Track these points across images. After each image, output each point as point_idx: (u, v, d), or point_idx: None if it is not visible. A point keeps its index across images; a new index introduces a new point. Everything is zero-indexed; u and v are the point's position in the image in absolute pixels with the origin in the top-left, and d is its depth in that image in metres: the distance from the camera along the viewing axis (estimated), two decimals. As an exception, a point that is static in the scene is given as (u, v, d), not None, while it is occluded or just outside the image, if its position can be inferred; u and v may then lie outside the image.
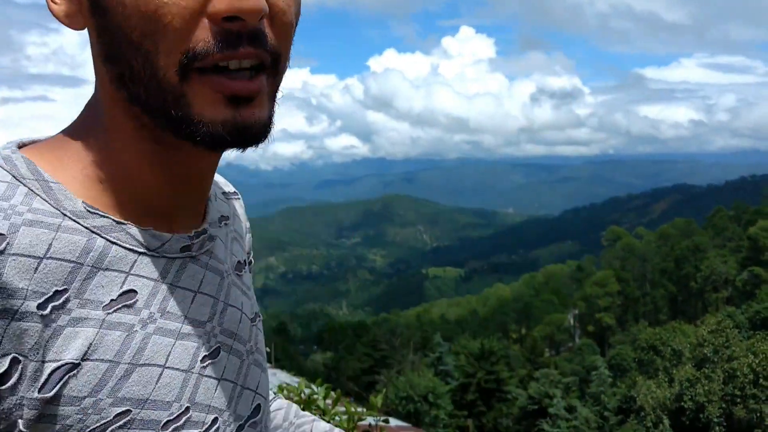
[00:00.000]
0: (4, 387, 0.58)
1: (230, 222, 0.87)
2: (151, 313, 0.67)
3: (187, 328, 0.71)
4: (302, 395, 3.36)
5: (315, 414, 2.16)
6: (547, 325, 64.89)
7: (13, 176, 0.64)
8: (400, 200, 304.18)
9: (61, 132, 0.72)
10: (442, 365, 40.38)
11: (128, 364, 0.64)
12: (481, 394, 37.79)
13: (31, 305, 0.59)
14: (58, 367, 0.61)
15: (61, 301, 0.61)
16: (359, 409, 3.40)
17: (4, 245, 0.59)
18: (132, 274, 0.67)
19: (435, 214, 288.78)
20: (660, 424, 30.22)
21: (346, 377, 41.24)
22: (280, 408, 1.08)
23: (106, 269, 0.65)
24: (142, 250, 0.68)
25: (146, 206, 0.71)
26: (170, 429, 0.66)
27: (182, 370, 0.69)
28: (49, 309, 0.60)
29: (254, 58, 0.64)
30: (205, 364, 0.72)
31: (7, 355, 0.58)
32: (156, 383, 0.66)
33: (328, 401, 3.43)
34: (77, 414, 0.61)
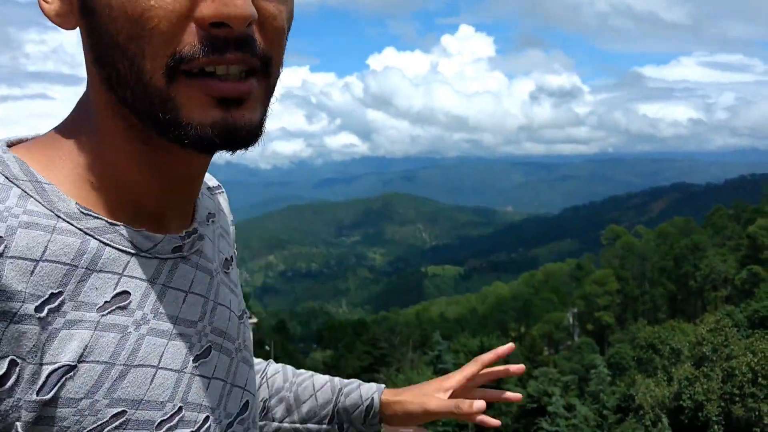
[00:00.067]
0: (2, 389, 0.58)
1: (216, 218, 0.87)
2: (144, 314, 0.68)
3: (180, 329, 0.71)
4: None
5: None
6: (546, 323, 64.71)
7: (6, 177, 0.64)
8: (399, 198, 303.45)
9: (52, 130, 0.71)
10: (441, 363, 40.37)
11: (123, 365, 0.65)
12: (480, 393, 37.81)
13: (29, 308, 0.59)
14: (55, 370, 0.61)
15: (56, 303, 0.61)
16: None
17: (2, 248, 0.59)
18: (125, 276, 0.67)
19: (434, 212, 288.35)
20: (659, 422, 30.22)
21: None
22: (277, 371, 1.13)
23: (100, 271, 0.65)
24: (134, 251, 0.68)
25: (137, 207, 0.70)
26: (164, 429, 0.67)
27: (175, 370, 0.69)
28: (45, 311, 0.60)
29: (242, 64, 0.63)
30: (196, 364, 0.72)
31: (6, 357, 0.58)
32: (150, 384, 0.67)
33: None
34: (74, 415, 0.61)
